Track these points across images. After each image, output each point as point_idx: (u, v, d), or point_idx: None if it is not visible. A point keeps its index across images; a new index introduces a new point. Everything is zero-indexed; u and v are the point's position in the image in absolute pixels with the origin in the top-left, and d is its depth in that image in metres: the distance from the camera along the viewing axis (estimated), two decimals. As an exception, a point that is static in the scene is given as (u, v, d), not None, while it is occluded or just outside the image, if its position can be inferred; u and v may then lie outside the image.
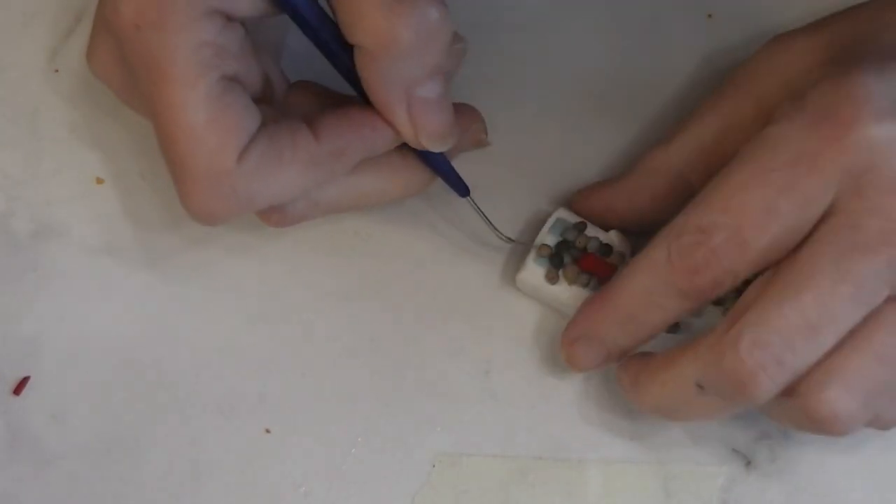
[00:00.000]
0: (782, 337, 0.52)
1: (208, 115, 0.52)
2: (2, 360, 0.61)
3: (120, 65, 0.55)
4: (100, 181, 0.63)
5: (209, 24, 0.52)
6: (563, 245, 0.60)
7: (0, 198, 0.63)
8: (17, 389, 0.61)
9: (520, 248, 0.61)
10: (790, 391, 0.53)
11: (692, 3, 0.65)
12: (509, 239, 0.61)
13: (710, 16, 0.65)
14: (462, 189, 0.60)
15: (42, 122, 0.64)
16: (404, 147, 0.57)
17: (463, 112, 0.60)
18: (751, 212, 0.52)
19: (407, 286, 0.62)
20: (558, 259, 0.60)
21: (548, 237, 0.61)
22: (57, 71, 0.64)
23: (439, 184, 0.60)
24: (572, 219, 0.61)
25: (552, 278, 0.60)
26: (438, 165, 0.59)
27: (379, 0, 0.52)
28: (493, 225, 0.61)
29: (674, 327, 0.61)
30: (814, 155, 0.52)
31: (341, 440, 0.60)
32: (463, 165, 0.62)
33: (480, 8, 0.65)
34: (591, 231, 0.61)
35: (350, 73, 0.55)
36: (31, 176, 0.63)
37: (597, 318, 0.58)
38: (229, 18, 0.53)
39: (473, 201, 0.60)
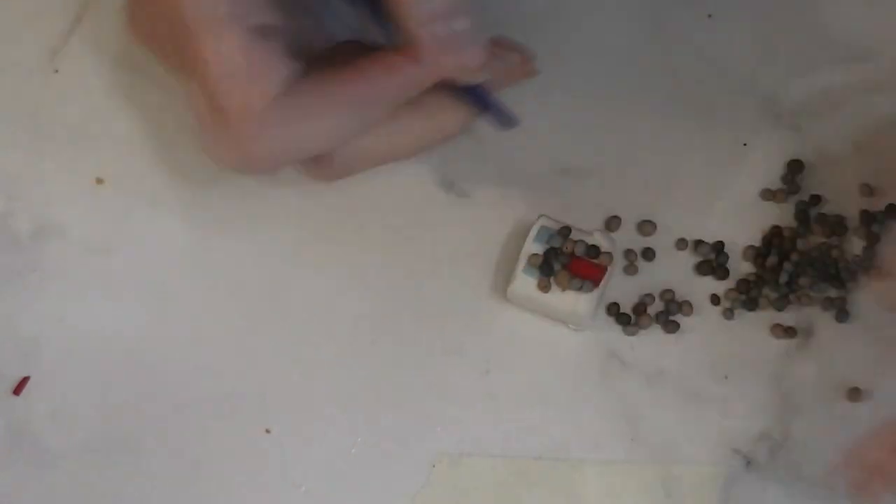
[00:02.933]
0: None
1: (245, 59, 0.53)
2: (2, 360, 0.61)
3: (157, 23, 0.56)
4: (100, 181, 0.63)
5: None
6: (550, 252, 0.60)
7: (0, 198, 0.63)
8: (17, 389, 0.61)
9: (512, 259, 0.61)
10: None
11: (692, 3, 0.65)
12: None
13: (709, 16, 0.65)
14: (506, 121, 0.59)
15: (42, 122, 0.64)
16: (442, 86, 0.57)
17: (501, 45, 0.60)
18: None
19: (407, 287, 0.62)
20: (548, 267, 0.60)
21: (534, 246, 0.61)
22: (57, 71, 0.64)
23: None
24: (555, 225, 0.61)
25: (544, 287, 0.60)
26: (479, 100, 0.58)
27: None
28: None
29: (673, 326, 0.61)
30: None
31: (341, 440, 0.60)
32: (456, 165, 0.63)
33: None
34: (576, 234, 0.61)
35: (378, 16, 0.56)
36: (32, 176, 0.63)
37: None
38: None
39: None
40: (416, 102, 0.57)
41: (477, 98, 0.58)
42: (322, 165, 0.57)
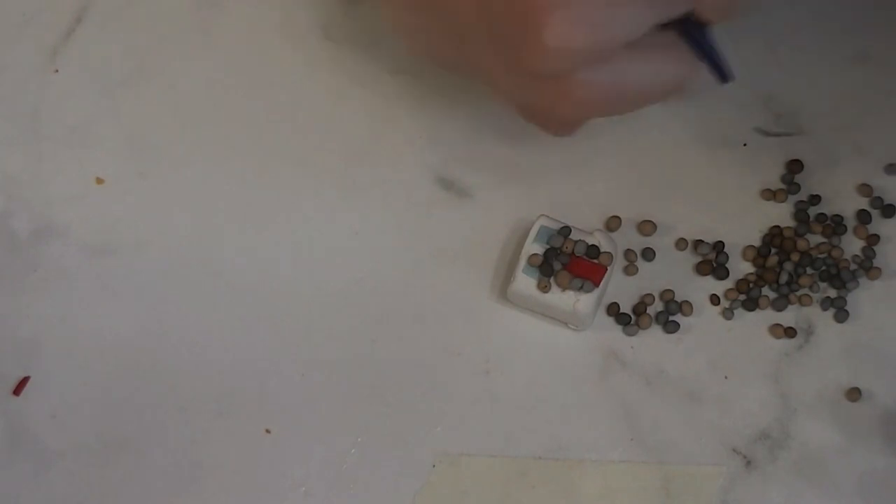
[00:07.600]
0: None
1: None
2: (2, 360, 0.61)
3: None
4: (100, 181, 0.63)
5: None
6: (550, 252, 0.60)
7: (0, 198, 0.63)
8: (17, 389, 0.61)
9: (512, 259, 0.61)
10: None
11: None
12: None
13: (710, 16, 0.65)
14: (725, 72, 0.57)
15: (42, 122, 0.64)
16: (669, 31, 0.55)
17: None
18: None
19: (407, 287, 0.62)
20: (548, 267, 0.60)
21: (534, 246, 0.61)
22: (57, 71, 0.65)
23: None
24: (555, 224, 0.61)
25: (544, 287, 0.60)
26: (703, 45, 0.56)
27: None
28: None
29: (673, 326, 0.61)
30: None
31: (341, 440, 0.60)
32: (456, 165, 0.63)
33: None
34: (576, 234, 0.61)
35: None
36: (32, 176, 0.63)
37: None
38: None
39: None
40: (649, 42, 0.55)
41: (701, 43, 0.56)
42: (582, 86, 0.55)
